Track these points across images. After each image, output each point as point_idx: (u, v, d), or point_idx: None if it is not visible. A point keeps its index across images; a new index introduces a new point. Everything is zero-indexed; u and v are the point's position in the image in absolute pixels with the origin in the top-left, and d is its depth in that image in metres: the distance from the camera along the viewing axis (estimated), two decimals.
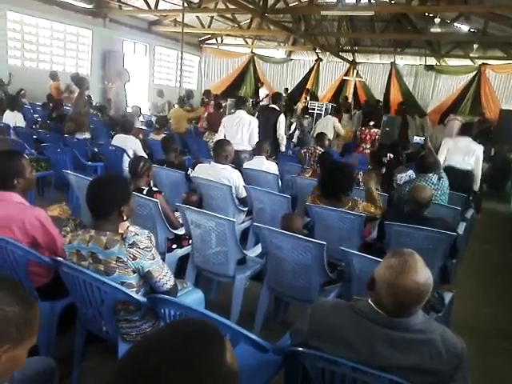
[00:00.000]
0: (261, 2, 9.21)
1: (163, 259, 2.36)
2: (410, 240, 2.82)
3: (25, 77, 9.53)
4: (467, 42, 11.63)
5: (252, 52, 15.74)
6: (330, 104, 12.56)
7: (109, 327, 1.99)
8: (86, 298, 1.94)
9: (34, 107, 8.78)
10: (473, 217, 4.65)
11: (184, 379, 0.72)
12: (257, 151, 4.92)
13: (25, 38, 10.00)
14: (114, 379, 0.75)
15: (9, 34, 9.51)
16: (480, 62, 12.42)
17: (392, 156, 5.20)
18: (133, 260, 1.82)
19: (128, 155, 4.97)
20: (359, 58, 14.47)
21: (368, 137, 8.16)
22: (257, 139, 5.33)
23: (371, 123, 8.50)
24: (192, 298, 2.26)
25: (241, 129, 5.50)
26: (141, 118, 9.25)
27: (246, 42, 15.30)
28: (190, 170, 4.18)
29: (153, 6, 10.78)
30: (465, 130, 5.36)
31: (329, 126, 7.96)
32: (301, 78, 15.23)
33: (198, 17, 12.51)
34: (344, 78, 14.45)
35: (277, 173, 4.67)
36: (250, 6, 9.12)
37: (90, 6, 10.87)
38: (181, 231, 3.14)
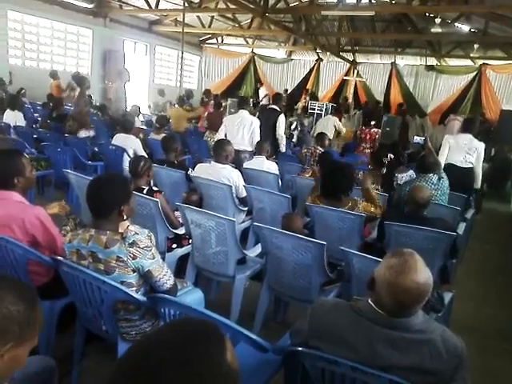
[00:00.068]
0: (261, 2, 9.21)
1: (163, 259, 2.36)
2: (410, 240, 2.82)
3: (25, 76, 9.54)
4: (468, 42, 11.63)
5: (252, 52, 15.75)
6: (331, 104, 12.55)
7: (108, 326, 1.99)
8: (85, 297, 1.94)
9: (35, 106, 8.78)
10: (473, 217, 4.64)
11: (184, 378, 0.72)
12: (257, 151, 4.92)
13: (25, 37, 10.01)
14: (113, 378, 0.74)
15: (9, 34, 9.52)
16: (480, 62, 12.42)
17: (392, 156, 5.20)
18: (133, 259, 1.82)
19: (128, 155, 4.97)
20: (360, 58, 14.47)
21: (368, 136, 8.17)
22: (258, 139, 5.34)
23: (372, 123, 8.51)
24: (192, 297, 2.26)
25: (242, 129, 5.49)
26: (141, 118, 9.25)
27: (247, 42, 15.30)
28: (190, 169, 4.18)
29: (153, 6, 10.79)
30: (466, 127, 5.28)
31: (329, 125, 7.95)
32: (301, 78, 15.24)
33: (198, 16, 12.51)
34: (344, 78, 14.46)
35: (277, 173, 4.67)
36: (251, 6, 9.12)
37: (90, 6, 10.88)
38: (181, 231, 3.14)
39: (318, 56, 14.88)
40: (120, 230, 1.90)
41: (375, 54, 14.03)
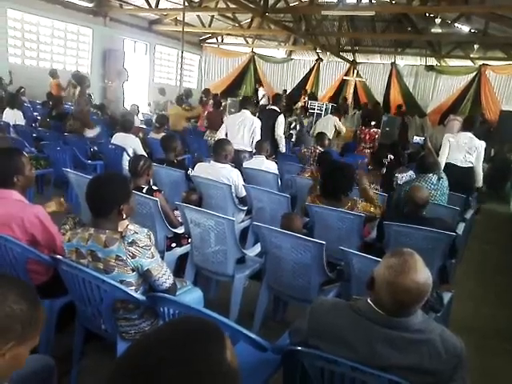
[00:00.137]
0: (261, 2, 9.21)
1: (162, 258, 2.36)
2: (410, 240, 2.82)
3: (25, 75, 9.53)
4: (468, 42, 11.64)
5: (252, 51, 15.75)
6: (331, 104, 12.56)
7: (108, 325, 1.99)
8: (85, 296, 1.94)
9: (34, 105, 8.78)
10: (472, 217, 4.65)
11: (183, 377, 0.71)
12: (257, 150, 4.92)
13: (25, 36, 10.00)
14: (112, 377, 0.74)
15: (9, 32, 9.51)
16: (480, 62, 12.42)
17: (392, 157, 5.20)
18: (132, 258, 1.82)
19: (128, 154, 4.97)
20: (359, 58, 14.47)
21: (368, 136, 8.16)
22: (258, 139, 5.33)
23: (373, 123, 8.50)
24: (191, 296, 2.26)
25: (242, 129, 5.49)
26: (140, 117, 9.24)
27: (247, 42, 15.30)
28: (190, 169, 4.18)
29: (153, 5, 10.78)
30: (466, 126, 5.24)
31: (329, 125, 7.95)
32: (301, 78, 15.24)
33: (198, 16, 12.51)
34: (344, 77, 14.46)
35: (276, 172, 4.67)
36: (251, 6, 9.12)
37: (90, 5, 10.87)
38: (180, 230, 3.14)
39: (318, 56, 14.88)
40: (119, 229, 1.89)
41: (375, 54, 14.03)
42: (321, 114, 12.10)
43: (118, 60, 11.70)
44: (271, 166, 4.70)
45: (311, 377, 1.45)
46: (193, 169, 4.13)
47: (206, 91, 9.97)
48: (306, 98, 13.07)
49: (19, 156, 2.25)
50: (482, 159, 5.16)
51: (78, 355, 2.22)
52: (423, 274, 1.33)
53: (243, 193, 3.92)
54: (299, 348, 1.43)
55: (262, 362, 1.55)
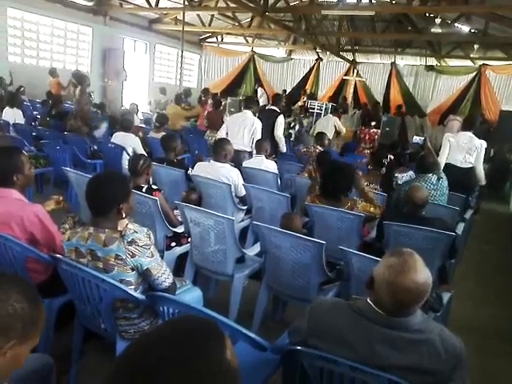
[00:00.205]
0: (261, 1, 9.19)
1: (162, 257, 2.36)
2: (409, 240, 2.82)
3: (25, 74, 9.52)
4: (468, 42, 11.63)
5: (252, 51, 15.74)
6: (330, 103, 12.55)
7: (107, 325, 1.99)
8: (84, 295, 1.94)
9: (34, 104, 8.77)
10: (472, 217, 4.65)
11: (183, 376, 0.71)
12: (256, 150, 4.91)
13: (25, 35, 9.98)
14: (112, 376, 0.74)
15: (9, 31, 9.49)
16: (480, 62, 12.42)
17: (392, 157, 5.20)
18: (131, 257, 1.82)
19: (127, 153, 4.97)
20: (359, 58, 14.47)
21: (367, 137, 8.17)
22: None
23: (373, 123, 8.50)
24: (190, 296, 2.26)
25: (243, 129, 5.49)
26: (140, 116, 9.23)
27: (247, 41, 15.29)
28: (190, 169, 4.18)
29: (153, 4, 10.78)
30: (466, 125, 5.21)
31: (329, 125, 7.94)
32: (301, 78, 15.23)
33: (198, 15, 12.50)
34: (344, 77, 14.45)
35: (276, 171, 4.67)
36: (251, 5, 9.11)
37: (90, 4, 10.85)
38: (180, 229, 3.14)
39: (318, 55, 14.88)
40: (119, 228, 1.89)
41: (375, 53, 14.02)
42: (321, 113, 12.10)
43: (118, 59, 11.70)
44: (271, 166, 4.70)
45: (310, 376, 1.45)
46: (193, 168, 4.13)
47: (205, 90, 9.97)
48: (306, 98, 13.07)
49: (19, 155, 2.25)
50: (482, 158, 5.14)
51: (77, 354, 2.22)
52: (423, 274, 1.33)
53: (243, 192, 3.92)
54: (298, 348, 1.43)
55: (261, 362, 1.55)
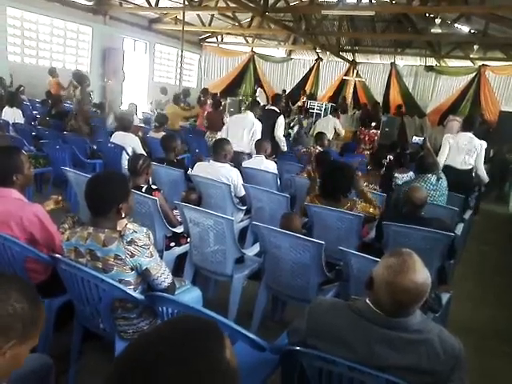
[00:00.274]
0: (261, 1, 9.19)
1: (161, 257, 2.36)
2: (409, 240, 2.82)
3: (24, 73, 9.51)
4: (467, 42, 11.63)
5: (252, 51, 15.74)
6: (330, 104, 12.56)
7: (106, 325, 1.99)
8: (83, 295, 1.94)
9: (33, 104, 8.76)
10: (471, 218, 4.65)
11: (182, 376, 0.71)
12: (256, 150, 4.91)
13: (25, 34, 9.97)
14: (112, 374, 0.74)
15: (9, 31, 9.48)
16: (480, 63, 12.43)
17: (392, 158, 5.20)
18: (131, 257, 1.82)
19: (127, 153, 4.96)
20: (359, 58, 14.47)
21: (367, 138, 8.15)
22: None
23: (373, 124, 8.49)
24: (190, 296, 2.26)
25: (242, 130, 5.51)
26: (139, 116, 9.23)
27: (247, 41, 15.29)
28: (189, 169, 4.18)
29: (153, 4, 10.77)
30: (466, 126, 5.19)
31: (329, 126, 7.95)
32: (301, 78, 15.23)
33: (198, 15, 12.49)
34: (344, 77, 14.45)
35: (276, 172, 4.67)
36: (251, 5, 9.10)
37: (90, 3, 10.85)
38: (179, 229, 3.14)
39: (318, 55, 14.88)
40: (118, 228, 1.89)
41: (375, 54, 14.02)
42: (320, 113, 12.10)
43: (118, 59, 11.69)
44: (270, 166, 4.70)
45: (309, 377, 1.45)
46: (192, 168, 4.13)
47: (205, 91, 9.96)
48: (305, 98, 13.08)
49: (18, 154, 2.25)
50: (483, 158, 5.13)
51: (76, 354, 2.22)
52: (422, 275, 1.33)
53: (242, 192, 3.92)
54: (297, 348, 1.43)
55: (260, 362, 1.55)
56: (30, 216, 2.12)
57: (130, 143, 5.06)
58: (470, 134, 5.06)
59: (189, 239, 3.04)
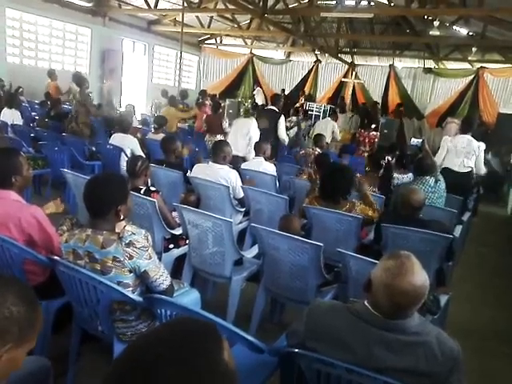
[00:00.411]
0: (260, 3, 9.21)
1: (160, 259, 2.36)
2: (407, 242, 2.83)
3: (23, 75, 9.51)
4: (466, 45, 11.65)
5: (251, 53, 15.74)
6: (329, 106, 12.57)
7: (104, 327, 1.98)
8: (81, 297, 1.94)
9: (32, 105, 8.76)
10: (469, 219, 4.65)
11: (182, 376, 0.72)
12: (255, 152, 4.91)
13: (24, 35, 9.96)
14: (111, 375, 0.74)
15: (7, 32, 9.47)
16: (478, 65, 12.45)
17: (390, 159, 5.21)
18: (129, 259, 1.82)
19: (126, 154, 4.96)
20: (358, 60, 14.49)
21: (367, 140, 8.17)
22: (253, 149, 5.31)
23: (373, 126, 8.49)
24: (188, 298, 2.26)
25: (239, 134, 5.59)
26: (138, 117, 9.22)
27: (246, 43, 15.29)
28: (188, 171, 4.18)
29: (152, 6, 10.77)
30: (464, 128, 5.18)
31: (328, 129, 7.96)
32: (299, 79, 15.25)
33: (197, 17, 12.49)
34: (343, 79, 14.47)
35: (275, 174, 4.67)
36: (250, 7, 9.12)
37: (89, 5, 10.84)
38: (178, 231, 3.13)
39: (317, 57, 14.89)
40: (117, 230, 1.89)
41: (373, 56, 14.05)
42: (319, 115, 12.12)
43: (117, 60, 11.68)
44: (269, 168, 4.70)
45: (308, 379, 1.45)
46: (191, 170, 4.13)
47: (203, 92, 9.97)
48: (303, 100, 13.09)
49: (17, 156, 2.25)
50: (482, 159, 5.13)
51: (74, 356, 2.21)
52: (420, 277, 1.34)
53: (241, 194, 3.92)
54: (296, 350, 1.43)
55: (258, 364, 1.55)
56: (28, 218, 2.12)
57: (129, 145, 5.06)
58: (468, 137, 5.06)
59: (187, 241, 3.04)
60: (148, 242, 1.90)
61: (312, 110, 12.49)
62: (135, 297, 1.85)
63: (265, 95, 14.05)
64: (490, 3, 7.61)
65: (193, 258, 2.97)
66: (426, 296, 1.36)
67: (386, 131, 9.91)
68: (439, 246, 2.82)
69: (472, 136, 5.09)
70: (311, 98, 14.00)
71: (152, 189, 3.13)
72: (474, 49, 11.36)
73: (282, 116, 6.10)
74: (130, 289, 1.88)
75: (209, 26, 13.15)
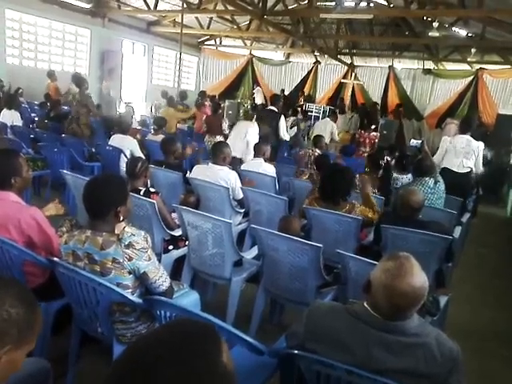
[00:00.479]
0: (260, 4, 9.22)
1: (159, 260, 2.36)
2: (407, 243, 2.83)
3: (23, 76, 9.51)
4: (465, 46, 11.68)
5: (250, 54, 15.76)
6: (328, 107, 12.58)
7: (104, 328, 1.98)
8: (81, 298, 1.94)
9: (32, 106, 8.76)
10: (469, 221, 4.65)
11: (183, 377, 0.72)
12: (255, 153, 4.92)
13: (23, 36, 9.97)
14: (111, 376, 0.74)
15: (7, 33, 9.47)
16: (477, 66, 12.47)
17: (389, 159, 5.21)
18: (129, 261, 1.82)
19: (125, 155, 4.96)
20: (357, 61, 14.50)
21: (367, 140, 8.17)
22: (251, 151, 5.31)
23: (372, 127, 8.51)
24: (188, 299, 2.26)
25: (237, 136, 5.59)
26: (138, 118, 9.22)
27: (245, 44, 15.30)
28: (188, 172, 4.18)
29: (152, 7, 10.77)
30: (463, 128, 5.18)
31: (327, 129, 7.97)
32: (299, 81, 15.26)
33: (197, 18, 12.50)
34: (342, 80, 14.49)
35: (274, 175, 4.67)
36: (249, 8, 9.13)
37: (89, 6, 10.84)
38: (177, 232, 3.13)
39: (316, 58, 14.90)
40: (116, 232, 1.89)
41: (373, 57, 14.06)
42: (318, 116, 12.13)
43: (117, 61, 11.69)
44: (269, 169, 4.70)
45: (308, 380, 1.45)
46: (190, 171, 4.13)
47: (202, 93, 9.97)
48: (302, 101, 13.10)
49: (16, 157, 2.25)
50: (481, 159, 5.12)
51: (74, 358, 2.21)
52: (419, 278, 1.34)
53: (241, 195, 3.92)
54: (296, 351, 1.43)
55: (258, 366, 1.55)
56: (27, 219, 2.12)
57: (129, 146, 5.06)
58: (467, 137, 5.06)
59: (187, 242, 3.04)
60: (147, 243, 1.90)
61: (311, 111, 12.51)
62: (135, 298, 1.85)
63: (264, 96, 14.06)
64: (488, 4, 7.62)
65: (192, 260, 2.97)
66: (425, 297, 1.36)
67: (385, 132, 9.93)
68: (439, 247, 2.82)
69: (471, 136, 5.09)
70: (311, 98, 14.01)
71: (151, 190, 3.13)
72: (473, 50, 11.38)
73: (282, 116, 6.13)
74: (130, 290, 1.88)
75: (208, 27, 13.16)
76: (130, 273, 1.85)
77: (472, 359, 2.59)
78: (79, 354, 2.27)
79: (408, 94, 13.76)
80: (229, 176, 3.85)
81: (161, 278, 1.92)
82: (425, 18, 10.48)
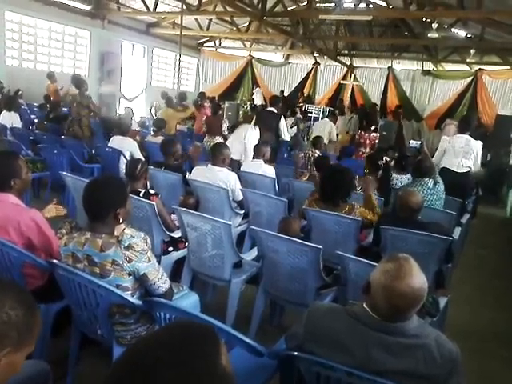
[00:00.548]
0: (259, 6, 9.23)
1: (159, 262, 2.36)
2: (406, 244, 2.83)
3: (22, 77, 9.51)
4: (464, 47, 11.69)
5: (250, 55, 15.78)
6: (327, 108, 12.60)
7: (104, 330, 1.98)
8: (80, 300, 1.94)
9: (31, 108, 8.76)
10: (468, 221, 4.65)
11: (182, 378, 0.72)
12: (255, 154, 4.92)
13: (23, 38, 9.97)
14: (110, 378, 0.75)
15: (7, 35, 9.48)
16: (477, 67, 12.49)
17: (388, 159, 5.21)
18: (128, 263, 1.82)
19: (125, 157, 4.97)
20: (357, 62, 14.53)
21: (368, 141, 8.18)
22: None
23: (372, 128, 8.52)
24: (187, 301, 2.26)
25: (236, 138, 5.61)
26: (137, 120, 9.22)
27: (244, 45, 15.32)
28: (188, 174, 4.18)
29: (151, 8, 10.78)
30: (462, 127, 5.18)
31: (326, 130, 7.98)
32: (298, 82, 15.28)
33: (196, 19, 12.52)
34: (341, 81, 14.51)
35: (274, 176, 4.67)
36: (249, 10, 9.13)
37: (88, 8, 10.85)
38: (177, 234, 3.13)
39: (316, 60, 14.93)
40: (116, 233, 1.89)
41: (372, 58, 14.09)
42: (318, 117, 12.13)
43: (116, 63, 11.69)
44: (269, 171, 4.70)
45: (307, 382, 1.45)
46: (190, 172, 4.13)
47: (202, 94, 9.97)
48: (302, 101, 13.11)
49: (16, 159, 2.25)
50: (480, 160, 5.12)
51: (73, 360, 2.21)
52: (419, 279, 1.34)
53: (240, 196, 3.93)
54: (295, 353, 1.43)
55: (258, 367, 1.55)
56: (27, 221, 2.12)
57: (128, 147, 5.06)
58: (466, 136, 5.05)
59: (187, 244, 3.04)
60: (147, 244, 1.90)
61: (311, 112, 12.52)
62: (134, 300, 1.85)
63: (264, 97, 14.07)
64: (487, 6, 7.64)
65: (192, 261, 2.97)
66: (424, 298, 1.36)
67: (384, 133, 9.94)
68: (438, 248, 2.82)
69: (470, 136, 5.09)
70: (310, 99, 14.03)
71: (151, 192, 3.13)
72: (472, 51, 11.40)
73: (282, 117, 6.15)
74: (129, 292, 1.88)
75: (208, 29, 13.18)
76: (129, 274, 1.85)
77: (472, 360, 2.59)
78: (79, 356, 2.27)
79: (407, 94, 13.78)
80: (228, 177, 3.85)
81: (160, 279, 1.92)
82: (424, 19, 10.50)
